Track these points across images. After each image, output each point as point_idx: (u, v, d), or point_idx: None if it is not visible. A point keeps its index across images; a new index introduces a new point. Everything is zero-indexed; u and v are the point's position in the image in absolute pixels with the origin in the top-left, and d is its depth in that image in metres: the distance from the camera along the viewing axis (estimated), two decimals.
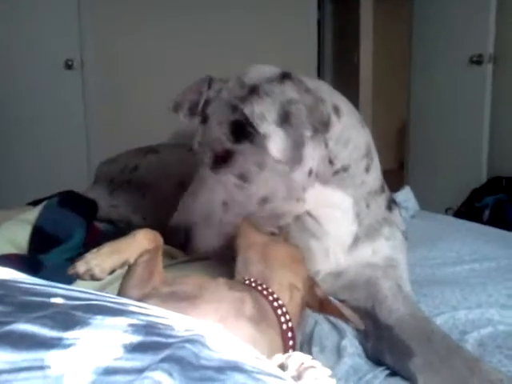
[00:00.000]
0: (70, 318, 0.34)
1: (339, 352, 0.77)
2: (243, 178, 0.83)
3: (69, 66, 3.08)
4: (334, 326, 0.86)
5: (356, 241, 0.91)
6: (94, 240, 1.05)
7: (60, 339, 0.31)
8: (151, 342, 0.32)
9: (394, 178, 3.89)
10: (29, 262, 0.93)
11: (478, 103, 2.88)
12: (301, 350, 0.79)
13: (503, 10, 2.75)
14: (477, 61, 2.85)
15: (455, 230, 1.43)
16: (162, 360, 0.30)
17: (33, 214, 1.09)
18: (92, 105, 3.20)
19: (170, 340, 0.33)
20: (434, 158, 3.29)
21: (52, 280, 0.43)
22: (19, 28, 2.96)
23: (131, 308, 0.38)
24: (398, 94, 4.26)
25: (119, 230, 1.28)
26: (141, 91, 3.25)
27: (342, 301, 0.93)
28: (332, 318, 0.89)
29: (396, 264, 0.91)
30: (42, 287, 0.40)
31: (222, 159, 0.84)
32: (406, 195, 1.68)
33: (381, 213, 0.95)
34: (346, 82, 5.08)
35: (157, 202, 1.32)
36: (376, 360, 0.79)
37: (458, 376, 0.67)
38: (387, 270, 0.89)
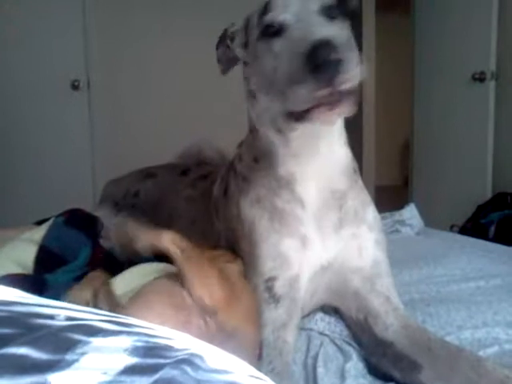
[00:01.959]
0: (69, 339, 0.34)
1: (343, 374, 0.78)
2: None
3: (75, 86, 3.11)
4: (339, 349, 0.86)
5: (341, 221, 0.89)
6: (98, 259, 1.05)
7: (58, 361, 0.31)
8: (147, 364, 0.32)
9: (398, 194, 3.90)
10: (34, 282, 0.93)
11: (481, 120, 2.88)
12: (305, 371, 0.79)
13: (505, 26, 2.77)
14: (479, 78, 2.86)
15: (460, 246, 1.43)
16: (155, 382, 0.30)
17: (39, 232, 1.09)
18: (98, 125, 3.22)
19: (166, 361, 0.33)
20: (439, 175, 3.28)
21: (57, 300, 0.43)
22: (25, 49, 3.00)
23: (132, 328, 0.38)
24: (402, 111, 4.28)
25: None
26: (148, 112, 3.27)
27: (335, 308, 0.94)
28: (337, 341, 0.88)
29: (381, 270, 0.90)
30: (43, 308, 0.40)
31: None
32: (410, 212, 1.68)
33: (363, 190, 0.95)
34: None
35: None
36: (382, 376, 0.80)
37: (468, 380, 0.70)
38: (375, 282, 0.88)
